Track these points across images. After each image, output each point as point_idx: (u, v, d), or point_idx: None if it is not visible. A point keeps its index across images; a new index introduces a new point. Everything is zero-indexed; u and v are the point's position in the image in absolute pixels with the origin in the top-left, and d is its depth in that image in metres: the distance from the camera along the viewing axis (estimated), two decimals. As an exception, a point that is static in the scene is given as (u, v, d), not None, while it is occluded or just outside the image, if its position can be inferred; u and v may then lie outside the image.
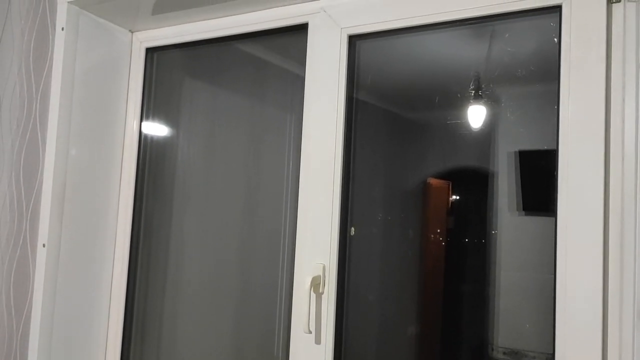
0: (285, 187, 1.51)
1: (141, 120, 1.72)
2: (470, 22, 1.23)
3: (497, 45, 1.26)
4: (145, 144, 1.73)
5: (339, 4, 1.35)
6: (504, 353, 1.31)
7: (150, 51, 1.73)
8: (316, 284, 1.30)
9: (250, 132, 1.62)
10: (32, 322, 1.50)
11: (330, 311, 1.29)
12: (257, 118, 1.63)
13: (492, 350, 1.31)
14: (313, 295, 1.30)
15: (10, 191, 1.61)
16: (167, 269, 1.70)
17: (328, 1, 1.37)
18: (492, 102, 1.28)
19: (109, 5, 1.54)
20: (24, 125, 1.60)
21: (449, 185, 1.45)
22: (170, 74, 1.76)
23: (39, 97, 1.57)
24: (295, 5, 1.43)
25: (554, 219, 1.08)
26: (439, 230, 1.44)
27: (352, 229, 1.36)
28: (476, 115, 1.30)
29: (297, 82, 1.45)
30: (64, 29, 1.53)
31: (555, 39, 1.12)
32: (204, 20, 1.59)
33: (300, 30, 1.43)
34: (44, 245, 1.50)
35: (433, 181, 1.45)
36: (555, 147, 1.09)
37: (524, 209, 1.31)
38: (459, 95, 1.31)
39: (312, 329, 1.30)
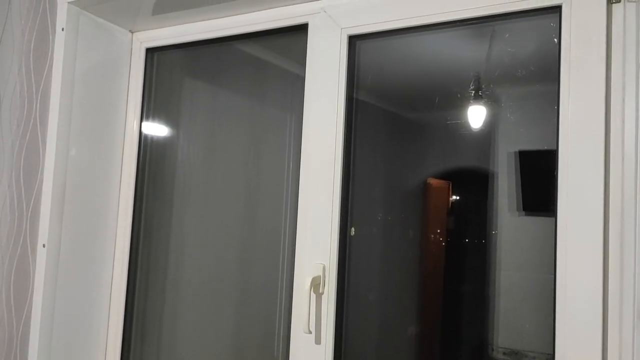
0: (285, 187, 1.51)
1: (141, 121, 1.72)
2: (470, 22, 1.23)
3: (497, 46, 1.26)
4: (145, 144, 1.73)
5: (339, 4, 1.35)
6: (504, 353, 1.31)
7: (150, 51, 1.73)
8: (316, 284, 1.30)
9: (250, 132, 1.62)
10: (32, 322, 1.50)
11: (330, 311, 1.29)
12: (257, 118, 1.63)
13: (492, 350, 1.31)
14: (313, 296, 1.30)
15: (10, 191, 1.61)
16: (167, 269, 1.70)
17: (328, 1, 1.37)
18: (492, 102, 1.28)
19: (109, 6, 1.54)
20: (24, 125, 1.60)
21: (449, 185, 1.45)
22: (170, 74, 1.76)
23: (39, 97, 1.57)
24: (295, 5, 1.43)
25: (554, 219, 1.08)
26: (439, 231, 1.44)
27: (352, 229, 1.36)
28: (476, 116, 1.30)
29: (297, 82, 1.45)
30: (64, 29, 1.53)
31: (555, 39, 1.12)
32: (204, 20, 1.59)
33: (300, 30, 1.43)
34: (44, 246, 1.50)
35: (433, 181, 1.45)
36: (555, 147, 1.09)
37: (524, 209, 1.31)
38: (459, 96, 1.31)
39: (312, 329, 1.30)
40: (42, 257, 1.50)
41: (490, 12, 1.18)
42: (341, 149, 1.32)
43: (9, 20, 1.68)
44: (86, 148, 1.60)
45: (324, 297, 1.30)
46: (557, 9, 1.12)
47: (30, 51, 1.62)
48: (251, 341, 1.58)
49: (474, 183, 1.38)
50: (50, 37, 1.57)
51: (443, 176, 1.44)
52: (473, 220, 1.40)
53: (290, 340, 1.36)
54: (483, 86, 1.28)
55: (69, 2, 1.53)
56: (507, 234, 1.32)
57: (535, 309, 1.26)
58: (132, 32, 1.73)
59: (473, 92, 1.29)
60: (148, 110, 1.74)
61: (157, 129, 1.75)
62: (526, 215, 1.31)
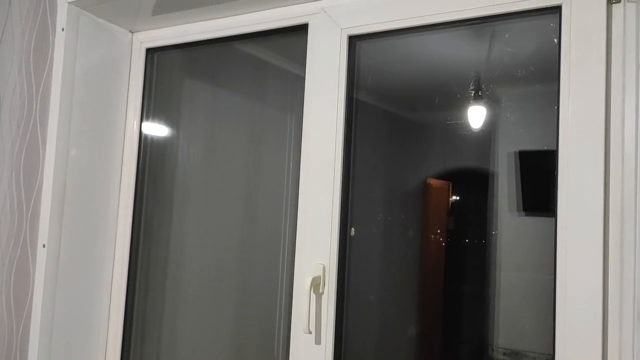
0: (285, 188, 1.51)
1: (141, 121, 1.72)
2: (470, 22, 1.23)
3: (497, 46, 1.26)
4: (145, 145, 1.73)
5: (339, 5, 1.35)
6: (504, 353, 1.31)
7: (150, 51, 1.74)
8: (316, 284, 1.30)
9: (250, 133, 1.62)
10: (32, 322, 1.50)
11: (330, 311, 1.29)
12: (257, 118, 1.63)
13: (492, 350, 1.31)
14: (313, 296, 1.30)
15: (10, 192, 1.61)
16: (167, 269, 1.70)
17: (328, 2, 1.37)
18: (492, 102, 1.28)
19: (109, 6, 1.54)
20: (24, 125, 1.60)
21: (449, 185, 1.45)
22: (170, 74, 1.76)
23: (39, 98, 1.58)
24: (296, 5, 1.43)
25: (554, 219, 1.08)
26: (439, 231, 1.44)
27: (352, 229, 1.36)
28: (476, 116, 1.30)
29: (297, 83, 1.45)
30: (64, 29, 1.53)
31: (555, 40, 1.12)
32: (204, 20, 1.59)
33: (300, 30, 1.43)
34: (44, 246, 1.50)
35: (433, 182, 1.45)
36: (555, 148, 1.09)
37: (524, 209, 1.31)
38: (459, 96, 1.31)
39: (312, 329, 1.30)
40: (42, 257, 1.50)
41: (490, 12, 1.18)
42: (341, 149, 1.32)
43: (9, 20, 1.68)
44: (86, 148, 1.60)
45: (324, 297, 1.30)
46: (557, 9, 1.12)
47: (30, 51, 1.62)
48: (251, 341, 1.58)
49: (474, 183, 1.38)
50: (51, 37, 1.57)
51: (443, 176, 1.44)
52: (473, 220, 1.40)
53: (290, 341, 1.36)
54: (483, 86, 1.28)
55: (69, 2, 1.53)
56: (507, 234, 1.32)
57: (536, 309, 1.26)
58: (132, 32, 1.73)
59: (473, 92, 1.29)
60: (148, 111, 1.74)
61: (157, 129, 1.75)
62: (526, 215, 1.31)
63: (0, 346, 1.58)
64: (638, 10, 1.04)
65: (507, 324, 1.30)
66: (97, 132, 1.63)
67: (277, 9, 1.46)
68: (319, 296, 1.31)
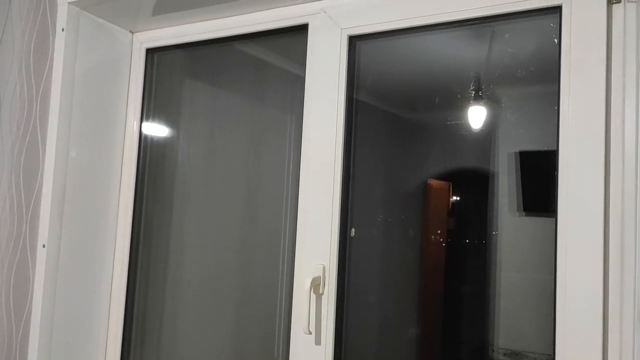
0: (285, 188, 1.50)
1: (141, 121, 1.72)
2: (470, 22, 1.23)
3: (497, 46, 1.26)
4: (145, 145, 1.73)
5: (339, 5, 1.35)
6: (505, 354, 1.31)
7: (150, 52, 1.73)
8: (316, 285, 1.30)
9: (250, 133, 1.62)
10: (32, 323, 1.49)
11: (330, 312, 1.29)
12: (257, 119, 1.63)
13: (493, 351, 1.31)
14: (313, 296, 1.30)
15: (10, 193, 1.61)
16: (167, 270, 1.70)
17: (328, 2, 1.37)
18: (493, 102, 1.28)
19: (109, 6, 1.54)
20: (24, 126, 1.60)
21: (449, 186, 1.45)
22: (170, 74, 1.76)
23: (39, 99, 1.57)
24: (296, 6, 1.43)
25: (554, 219, 1.07)
26: (439, 231, 1.44)
27: (353, 229, 1.36)
28: (476, 116, 1.30)
29: (297, 83, 1.45)
30: (64, 29, 1.53)
31: (556, 40, 1.12)
32: (205, 20, 1.59)
33: (300, 31, 1.43)
34: (44, 246, 1.49)
35: (433, 182, 1.45)
36: (555, 148, 1.09)
37: (525, 209, 1.31)
38: (459, 96, 1.31)
39: (312, 329, 1.30)
40: (42, 257, 1.50)
41: (491, 12, 1.18)
42: (341, 149, 1.32)
43: (9, 20, 1.68)
44: (86, 149, 1.60)
45: (324, 298, 1.30)
46: (557, 10, 1.12)
47: (30, 52, 1.62)
48: (251, 341, 1.58)
49: (475, 184, 1.38)
50: (51, 37, 1.57)
51: (443, 177, 1.44)
52: (473, 220, 1.40)
53: (290, 341, 1.36)
54: (483, 87, 1.28)
55: (69, 3, 1.53)
56: (508, 234, 1.32)
57: (536, 309, 1.26)
58: (133, 33, 1.73)
59: (473, 92, 1.29)
60: (148, 111, 1.74)
61: (157, 130, 1.75)
62: (526, 215, 1.31)
63: (0, 346, 1.57)
64: (638, 11, 1.04)
65: (508, 324, 1.30)
66: (97, 133, 1.63)
67: (277, 9, 1.46)
68: (319, 297, 1.30)
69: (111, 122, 1.67)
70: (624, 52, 1.05)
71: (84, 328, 1.60)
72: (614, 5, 1.06)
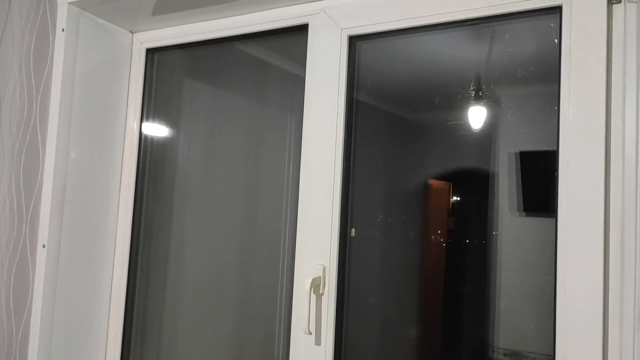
0: (285, 189, 1.50)
1: (141, 122, 1.72)
2: (470, 22, 1.23)
3: (497, 46, 1.26)
4: (145, 145, 1.73)
5: (339, 5, 1.35)
6: (505, 354, 1.31)
7: (150, 52, 1.73)
8: (316, 285, 1.29)
9: (250, 134, 1.62)
10: (32, 324, 1.49)
11: (331, 312, 1.29)
12: (257, 119, 1.63)
13: (493, 351, 1.31)
14: (313, 297, 1.30)
15: (10, 194, 1.61)
16: (167, 270, 1.70)
17: (328, 2, 1.37)
18: (493, 103, 1.28)
19: (109, 6, 1.54)
20: (24, 127, 1.60)
21: (449, 186, 1.45)
22: (170, 74, 1.76)
23: (39, 99, 1.57)
24: (296, 6, 1.43)
25: (554, 219, 1.07)
26: (439, 232, 1.44)
27: (353, 230, 1.36)
28: (477, 116, 1.30)
29: (297, 83, 1.45)
30: (65, 29, 1.53)
31: (556, 40, 1.12)
32: (205, 21, 1.59)
33: (300, 31, 1.43)
34: (44, 246, 1.49)
35: (434, 182, 1.45)
36: (555, 148, 1.09)
37: (525, 209, 1.31)
38: (459, 96, 1.31)
39: (312, 330, 1.29)
40: (42, 257, 1.50)
41: (491, 12, 1.18)
42: (341, 150, 1.32)
43: (9, 21, 1.68)
44: (86, 149, 1.60)
45: (324, 298, 1.30)
46: (557, 10, 1.12)
47: (30, 52, 1.62)
48: (251, 342, 1.58)
49: (475, 184, 1.38)
50: (51, 37, 1.57)
51: (443, 177, 1.44)
52: (473, 221, 1.40)
53: (290, 342, 1.36)
54: (483, 87, 1.28)
55: (69, 3, 1.53)
56: (508, 234, 1.31)
57: (536, 309, 1.26)
58: (133, 33, 1.73)
59: (473, 92, 1.29)
60: (148, 111, 1.74)
61: (157, 130, 1.75)
62: (527, 215, 1.31)
63: (0, 346, 1.57)
64: (638, 11, 1.04)
65: (508, 325, 1.30)
66: (97, 133, 1.63)
67: (277, 9, 1.46)
68: (319, 297, 1.30)
69: (111, 123, 1.67)
70: (624, 52, 1.04)
71: (84, 328, 1.60)
72: (614, 6, 1.06)
